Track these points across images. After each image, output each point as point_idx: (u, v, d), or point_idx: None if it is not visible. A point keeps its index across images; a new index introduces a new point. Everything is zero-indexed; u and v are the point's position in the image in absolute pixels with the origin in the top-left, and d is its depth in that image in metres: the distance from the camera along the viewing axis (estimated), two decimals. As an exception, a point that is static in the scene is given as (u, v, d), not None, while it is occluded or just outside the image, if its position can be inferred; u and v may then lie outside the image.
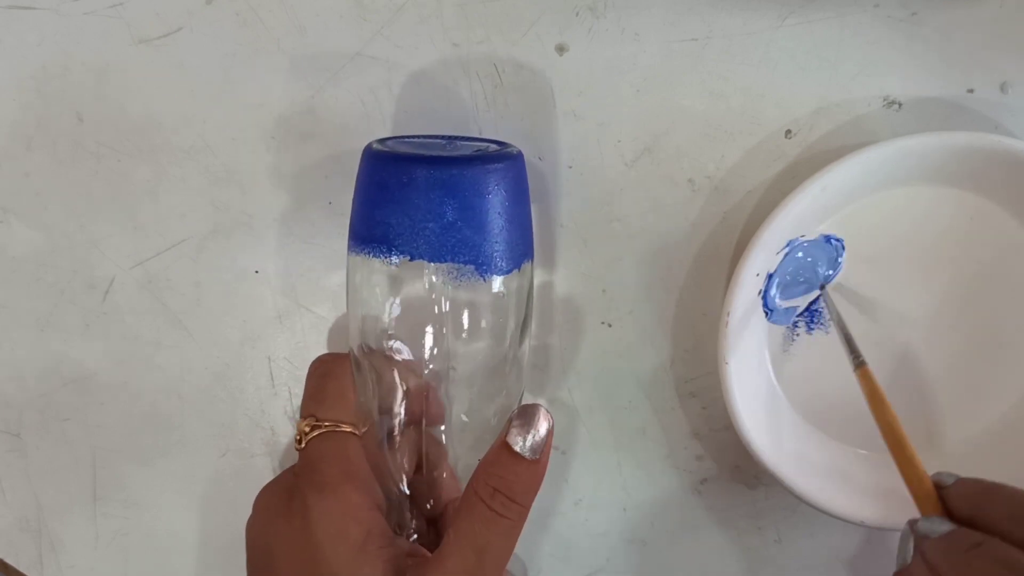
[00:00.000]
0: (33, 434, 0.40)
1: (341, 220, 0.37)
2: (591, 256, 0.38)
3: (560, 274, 0.38)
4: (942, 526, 0.30)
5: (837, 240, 0.36)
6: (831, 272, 0.37)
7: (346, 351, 0.33)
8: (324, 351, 0.39)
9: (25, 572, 0.42)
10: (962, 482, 0.31)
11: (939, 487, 0.31)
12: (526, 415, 0.29)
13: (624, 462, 0.41)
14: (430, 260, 0.31)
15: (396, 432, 0.33)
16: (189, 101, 0.36)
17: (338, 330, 0.39)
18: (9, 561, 0.42)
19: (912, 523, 0.31)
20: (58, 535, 0.42)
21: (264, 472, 0.41)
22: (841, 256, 0.36)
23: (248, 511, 0.32)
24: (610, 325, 0.39)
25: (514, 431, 0.29)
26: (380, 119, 0.36)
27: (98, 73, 0.35)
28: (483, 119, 0.36)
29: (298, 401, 0.40)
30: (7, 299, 0.38)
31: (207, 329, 0.39)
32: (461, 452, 0.34)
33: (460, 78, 0.35)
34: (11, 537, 0.42)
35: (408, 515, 0.34)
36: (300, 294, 0.38)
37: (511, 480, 0.29)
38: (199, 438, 0.40)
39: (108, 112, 0.36)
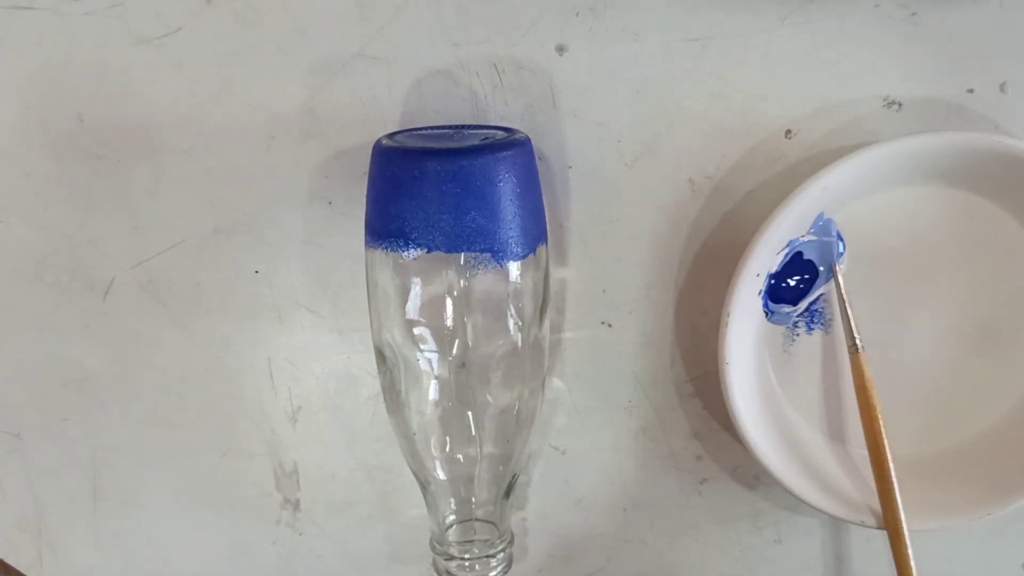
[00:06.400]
0: (33, 434, 0.40)
1: (341, 220, 0.37)
2: (591, 256, 0.38)
3: (560, 274, 0.38)
4: None
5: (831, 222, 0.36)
6: (841, 252, 0.36)
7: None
8: (324, 351, 0.39)
9: (25, 572, 0.42)
10: None
11: None
12: None
13: (624, 462, 0.41)
14: (447, 251, 0.31)
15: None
16: (189, 101, 0.36)
17: (338, 330, 0.39)
18: (9, 561, 0.42)
19: None
20: (58, 535, 0.42)
21: (264, 472, 0.41)
22: (842, 244, 0.36)
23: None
24: (610, 325, 0.39)
25: None
26: (380, 119, 0.36)
27: (98, 73, 0.35)
28: (483, 119, 0.36)
29: (298, 401, 0.40)
30: (7, 299, 0.38)
31: (207, 329, 0.39)
32: (486, 438, 0.34)
33: (460, 78, 0.35)
34: (11, 537, 0.42)
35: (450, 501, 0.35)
36: (300, 294, 0.38)
37: None
38: (199, 438, 0.40)
39: (108, 112, 0.36)
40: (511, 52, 0.35)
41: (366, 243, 0.33)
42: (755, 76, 0.35)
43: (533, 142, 0.34)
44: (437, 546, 0.36)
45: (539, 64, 0.35)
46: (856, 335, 0.36)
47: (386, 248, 0.32)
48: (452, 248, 0.31)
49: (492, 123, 0.36)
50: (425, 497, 0.36)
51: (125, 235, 0.37)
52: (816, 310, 0.38)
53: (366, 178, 0.33)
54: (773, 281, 0.37)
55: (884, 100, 0.36)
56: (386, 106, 0.36)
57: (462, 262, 0.31)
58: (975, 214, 0.36)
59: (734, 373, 0.35)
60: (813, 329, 0.38)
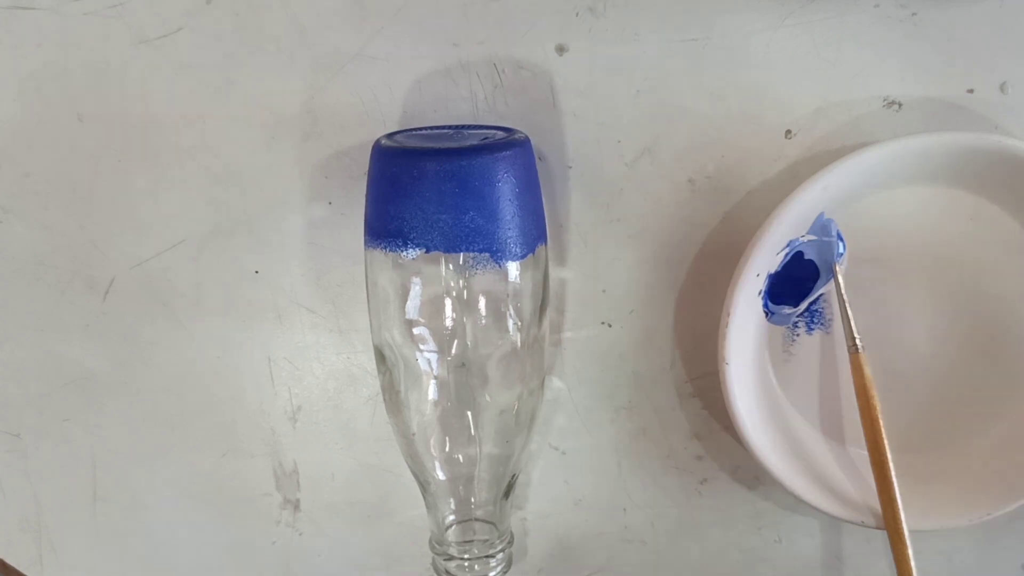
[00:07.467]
0: (33, 434, 0.40)
1: (341, 220, 0.37)
2: (591, 256, 0.38)
3: (560, 274, 0.38)
4: None
5: (831, 221, 0.36)
6: (841, 252, 0.36)
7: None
8: (324, 351, 0.39)
9: (25, 572, 0.42)
10: None
11: None
12: None
13: (624, 462, 0.41)
14: (446, 251, 0.31)
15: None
16: (189, 101, 0.36)
17: (338, 330, 0.39)
18: (9, 561, 0.42)
19: None
20: (58, 535, 0.42)
21: (264, 472, 0.41)
22: (842, 244, 0.36)
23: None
24: (610, 325, 0.39)
25: None
26: (380, 119, 0.36)
27: (98, 73, 0.35)
28: (483, 119, 0.36)
29: (298, 401, 0.40)
30: (7, 299, 0.38)
31: (207, 329, 0.39)
32: (485, 438, 0.34)
33: (460, 78, 0.35)
34: (11, 537, 0.42)
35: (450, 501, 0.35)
36: (300, 294, 0.38)
37: None
38: (199, 438, 0.40)
39: (108, 112, 0.36)
40: (511, 52, 0.35)
41: (366, 243, 0.33)
42: (755, 76, 0.35)
43: (533, 142, 0.34)
44: (437, 546, 0.36)
45: (539, 64, 0.35)
46: (856, 335, 0.36)
47: (385, 248, 0.32)
48: (451, 248, 0.31)
49: (492, 123, 0.36)
50: (425, 497, 0.36)
51: (125, 235, 0.37)
52: (816, 310, 0.38)
53: (366, 178, 0.33)
54: (773, 281, 0.37)
55: (884, 100, 0.36)
56: (386, 106, 0.36)
57: (461, 262, 0.31)
58: (975, 214, 0.36)
59: (734, 373, 0.35)
60: (813, 329, 0.38)
